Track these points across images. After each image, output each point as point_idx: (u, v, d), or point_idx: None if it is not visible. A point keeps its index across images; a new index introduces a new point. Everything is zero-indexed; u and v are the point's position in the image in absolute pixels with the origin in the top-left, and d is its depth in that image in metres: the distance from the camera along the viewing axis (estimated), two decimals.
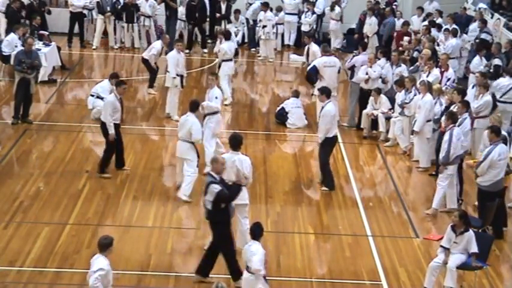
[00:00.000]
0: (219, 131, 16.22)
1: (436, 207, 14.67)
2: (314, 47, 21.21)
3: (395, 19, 25.34)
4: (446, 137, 14.51)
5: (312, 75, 19.11)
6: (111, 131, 15.31)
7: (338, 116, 19.34)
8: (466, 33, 23.66)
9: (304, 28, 26.74)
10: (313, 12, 26.65)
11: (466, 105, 15.60)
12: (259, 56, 25.90)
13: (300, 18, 27.07)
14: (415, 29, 24.84)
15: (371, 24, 25.03)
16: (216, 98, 15.93)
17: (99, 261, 10.12)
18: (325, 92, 15.76)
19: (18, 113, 18.32)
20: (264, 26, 25.58)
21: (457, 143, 14.41)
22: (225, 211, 11.65)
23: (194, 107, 14.93)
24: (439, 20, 24.74)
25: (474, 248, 11.69)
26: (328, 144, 15.63)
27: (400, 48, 22.20)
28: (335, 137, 15.81)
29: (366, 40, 24.67)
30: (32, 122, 18.39)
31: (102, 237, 10.37)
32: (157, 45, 21.01)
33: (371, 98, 18.58)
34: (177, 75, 18.96)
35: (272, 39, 25.75)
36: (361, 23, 25.97)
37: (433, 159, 16.35)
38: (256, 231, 10.96)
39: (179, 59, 19.20)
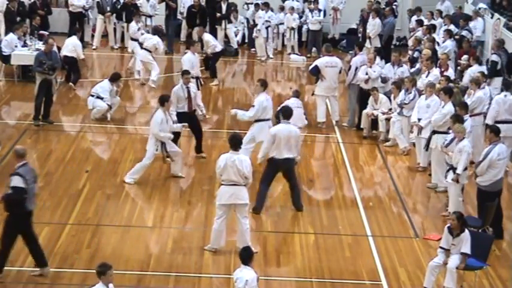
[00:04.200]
0: (261, 139, 15.48)
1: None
2: (206, 37, 22.18)
3: (395, 19, 25.34)
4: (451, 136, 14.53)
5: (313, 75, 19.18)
6: (173, 118, 15.80)
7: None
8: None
9: (314, 27, 26.43)
10: (319, 11, 26.57)
11: (465, 106, 15.58)
12: (259, 56, 25.89)
13: (300, 18, 26.98)
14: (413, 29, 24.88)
15: (375, 25, 24.90)
16: (253, 106, 15.70)
17: None
18: (282, 114, 14.74)
19: (39, 113, 18.24)
20: (256, 25, 25.64)
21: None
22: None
23: (161, 101, 15.36)
24: (438, 20, 24.71)
25: (466, 249, 11.65)
26: (269, 165, 14.42)
27: (459, 68, 21.01)
28: (279, 161, 14.23)
29: (368, 40, 24.69)
30: (53, 122, 18.37)
31: (99, 264, 10.14)
32: None
33: (371, 98, 18.58)
34: (193, 77, 18.84)
35: (260, 37, 25.63)
36: (364, 21, 25.84)
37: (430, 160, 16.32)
38: (245, 256, 10.40)
39: (194, 61, 19.25)
